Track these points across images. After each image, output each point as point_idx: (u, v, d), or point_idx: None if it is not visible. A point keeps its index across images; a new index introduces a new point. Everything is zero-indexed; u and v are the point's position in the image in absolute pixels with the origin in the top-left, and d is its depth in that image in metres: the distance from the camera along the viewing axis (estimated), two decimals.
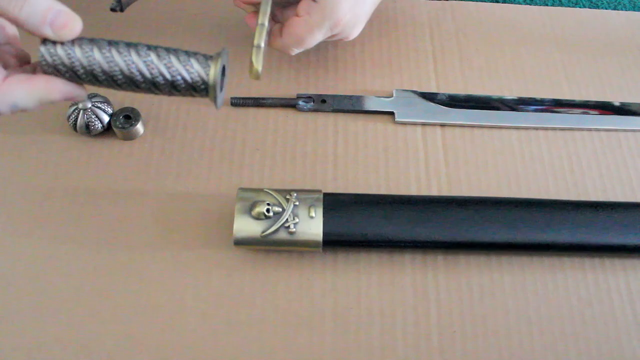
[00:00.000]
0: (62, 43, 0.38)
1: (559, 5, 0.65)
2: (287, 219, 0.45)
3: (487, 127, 0.55)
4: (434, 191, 0.51)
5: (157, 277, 0.47)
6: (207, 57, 0.39)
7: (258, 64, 0.45)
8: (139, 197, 0.50)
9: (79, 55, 0.38)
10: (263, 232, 0.44)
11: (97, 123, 0.52)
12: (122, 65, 0.38)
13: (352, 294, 0.47)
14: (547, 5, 0.65)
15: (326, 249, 0.46)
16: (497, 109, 0.56)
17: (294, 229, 0.45)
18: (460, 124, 0.55)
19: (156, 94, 0.40)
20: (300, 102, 0.55)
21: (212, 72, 0.38)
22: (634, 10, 0.65)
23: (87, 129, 0.52)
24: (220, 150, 0.53)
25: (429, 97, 0.56)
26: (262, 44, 0.45)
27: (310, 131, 0.54)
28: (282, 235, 0.45)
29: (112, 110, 0.53)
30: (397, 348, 0.45)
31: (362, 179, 0.52)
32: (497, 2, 0.65)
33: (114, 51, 0.38)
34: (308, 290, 0.47)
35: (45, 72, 0.39)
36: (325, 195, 0.47)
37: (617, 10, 0.65)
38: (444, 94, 0.56)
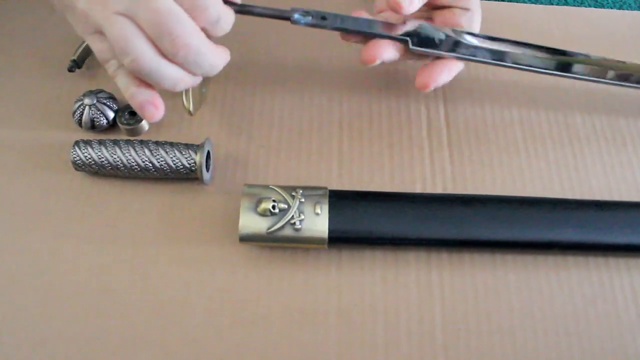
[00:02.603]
0: (92, 147, 0.48)
1: (564, 5, 0.65)
2: (292, 216, 0.45)
3: (492, 124, 0.55)
4: (439, 189, 0.51)
5: (162, 273, 0.47)
6: (189, 146, 0.49)
7: (188, 104, 0.49)
8: (144, 193, 0.50)
9: (106, 154, 0.48)
10: (268, 228, 0.44)
11: (102, 119, 0.52)
12: (139, 160, 0.48)
13: (356, 291, 0.47)
14: (552, 4, 0.65)
15: (331, 246, 0.46)
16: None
17: (300, 226, 0.45)
18: (477, 59, 0.51)
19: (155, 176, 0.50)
20: (296, 15, 0.46)
21: (197, 158, 0.48)
22: (639, 10, 0.65)
23: (92, 125, 0.52)
24: (225, 147, 0.53)
25: (446, 29, 0.51)
26: None
27: (316, 123, 0.54)
28: (288, 231, 0.45)
29: (118, 107, 0.53)
30: (401, 345, 0.45)
31: (367, 175, 0.52)
32: (503, 1, 0.65)
33: (130, 148, 0.48)
34: (313, 287, 0.47)
35: (76, 168, 0.49)
36: (331, 192, 0.47)
37: (623, 10, 0.65)
38: (455, 29, 0.51)
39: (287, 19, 0.47)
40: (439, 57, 0.50)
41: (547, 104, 0.57)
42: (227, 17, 0.40)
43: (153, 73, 0.39)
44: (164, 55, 0.39)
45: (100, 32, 0.39)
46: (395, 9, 0.46)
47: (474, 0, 0.50)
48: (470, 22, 0.50)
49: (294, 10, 0.47)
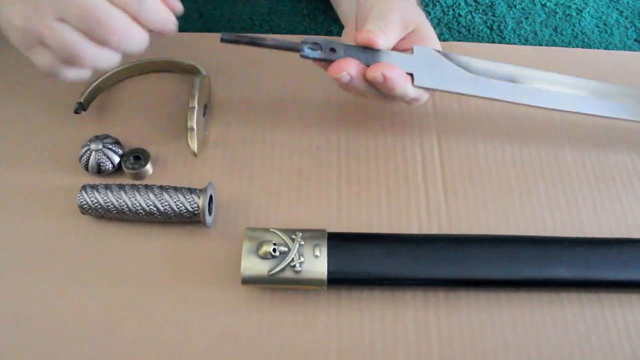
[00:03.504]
0: (98, 191, 0.50)
1: (552, 45, 0.67)
2: (292, 259, 0.46)
3: (485, 165, 0.57)
4: (435, 229, 0.53)
5: (166, 314, 0.48)
6: (193, 191, 0.50)
7: (193, 145, 0.53)
8: (149, 237, 0.51)
9: (112, 198, 0.50)
10: (270, 271, 0.46)
11: (107, 164, 0.53)
12: (144, 204, 0.49)
13: (355, 331, 0.48)
14: (541, 45, 0.67)
15: (330, 287, 0.47)
16: None
17: (300, 268, 0.46)
18: (480, 96, 0.51)
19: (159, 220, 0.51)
20: (306, 49, 0.48)
21: (200, 202, 0.49)
22: (625, 50, 0.68)
23: (99, 169, 0.53)
24: (227, 189, 0.54)
25: (453, 58, 0.51)
26: (195, 126, 0.52)
27: (314, 166, 0.56)
28: (288, 274, 0.46)
29: (123, 151, 0.55)
30: None
31: (364, 217, 0.53)
32: (494, 42, 0.67)
33: (135, 193, 0.50)
34: (313, 327, 0.48)
35: (83, 212, 0.50)
36: (330, 234, 0.48)
37: (609, 50, 0.67)
38: (465, 57, 0.52)
39: (297, 51, 0.48)
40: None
41: (539, 142, 0.59)
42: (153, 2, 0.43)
43: (98, 64, 0.43)
44: (102, 44, 0.42)
45: (42, 44, 0.43)
46: (367, 42, 0.48)
47: (435, 45, 0.51)
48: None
49: (304, 43, 0.48)
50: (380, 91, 0.50)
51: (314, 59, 0.49)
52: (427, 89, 0.51)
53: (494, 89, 0.51)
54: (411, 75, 0.49)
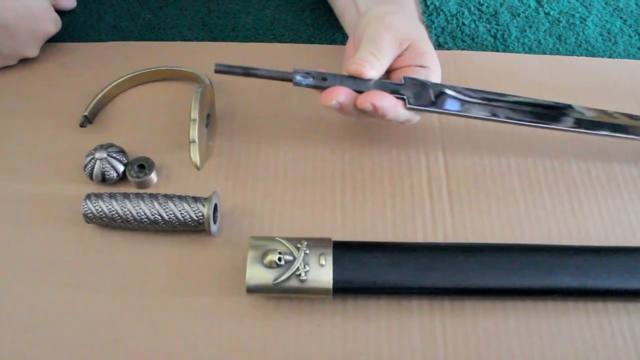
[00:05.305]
0: (103, 200, 0.50)
1: (556, 54, 0.67)
2: (298, 267, 0.46)
3: (490, 174, 0.57)
4: (440, 238, 0.52)
5: (171, 323, 0.48)
6: (197, 199, 0.50)
7: (195, 158, 0.50)
8: (153, 245, 0.51)
9: (116, 207, 0.49)
10: (275, 280, 0.46)
11: (112, 172, 0.53)
12: (148, 213, 0.49)
13: (361, 340, 0.47)
14: (545, 54, 0.67)
15: (336, 296, 0.47)
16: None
17: (305, 277, 0.46)
18: (475, 116, 0.52)
19: (164, 229, 0.51)
20: (298, 77, 0.50)
21: (205, 211, 0.49)
22: (629, 58, 0.68)
23: (103, 178, 0.53)
24: (232, 198, 0.54)
25: (442, 88, 0.52)
26: (197, 139, 0.50)
27: (319, 175, 0.56)
28: (294, 283, 0.46)
29: (127, 160, 0.55)
30: None
31: (369, 225, 0.53)
32: (498, 51, 0.67)
33: (140, 202, 0.50)
34: (318, 336, 0.47)
35: (87, 220, 0.50)
36: (335, 243, 0.48)
37: (613, 58, 0.67)
38: (456, 87, 0.53)
39: (290, 80, 0.50)
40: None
41: (543, 151, 0.59)
42: None
43: None
44: None
45: None
46: (357, 74, 0.49)
47: (432, 59, 0.52)
48: (427, 78, 0.52)
49: (296, 72, 0.50)
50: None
51: (307, 86, 0.50)
52: (419, 112, 0.51)
53: (480, 111, 0.52)
54: (402, 98, 0.50)
